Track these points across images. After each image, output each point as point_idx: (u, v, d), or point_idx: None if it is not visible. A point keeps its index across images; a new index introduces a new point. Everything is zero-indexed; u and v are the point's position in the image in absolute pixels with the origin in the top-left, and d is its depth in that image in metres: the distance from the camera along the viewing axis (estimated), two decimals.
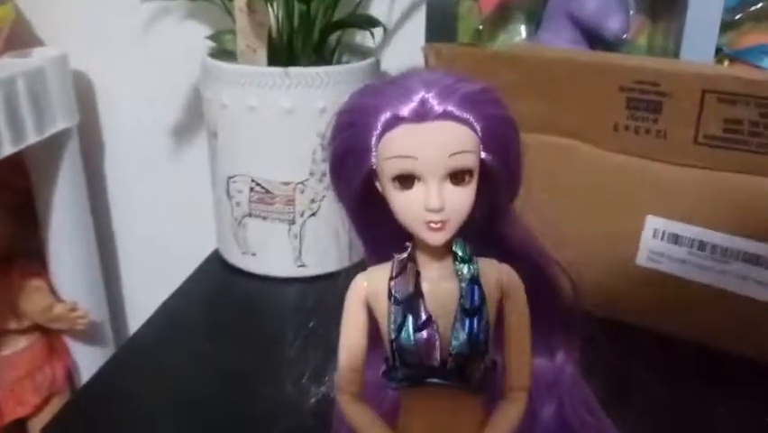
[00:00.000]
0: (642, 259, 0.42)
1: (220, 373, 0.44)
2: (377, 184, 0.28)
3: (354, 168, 0.27)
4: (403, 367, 0.27)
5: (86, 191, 0.71)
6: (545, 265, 0.34)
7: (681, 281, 0.41)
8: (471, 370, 0.27)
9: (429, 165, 0.26)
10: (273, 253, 0.53)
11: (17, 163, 0.66)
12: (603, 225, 0.42)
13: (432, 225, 0.26)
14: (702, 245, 0.40)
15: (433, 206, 0.26)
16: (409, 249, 0.28)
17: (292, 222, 0.51)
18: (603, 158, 0.41)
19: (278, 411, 0.38)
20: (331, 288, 0.34)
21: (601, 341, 0.37)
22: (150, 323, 0.49)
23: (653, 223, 0.41)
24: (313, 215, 0.51)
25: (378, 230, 0.30)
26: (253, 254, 0.53)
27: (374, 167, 0.27)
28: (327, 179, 0.51)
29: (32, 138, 0.60)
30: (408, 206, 0.26)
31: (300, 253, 0.52)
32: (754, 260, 0.39)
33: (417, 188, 0.26)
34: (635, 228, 0.41)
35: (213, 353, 0.46)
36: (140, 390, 0.43)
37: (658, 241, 0.41)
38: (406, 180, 0.26)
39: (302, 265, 0.52)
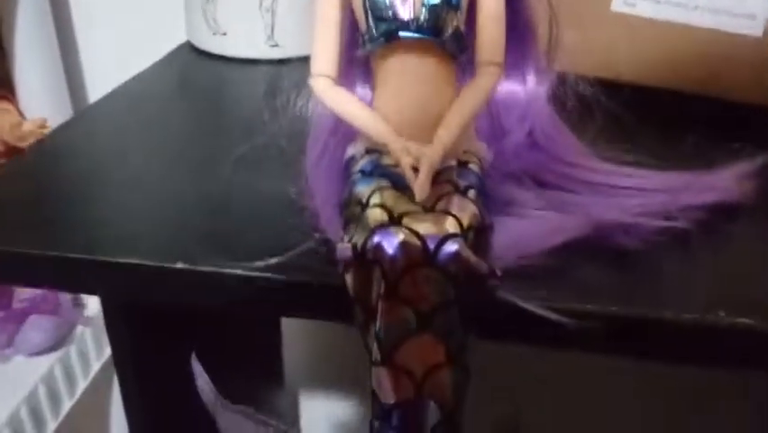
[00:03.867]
0: (617, 4, 0.42)
1: (189, 135, 0.42)
2: None
3: None
4: (376, 23, 0.27)
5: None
6: None
7: (656, 24, 0.41)
8: (444, 24, 0.27)
9: None
10: (244, 32, 0.51)
11: None
12: None
13: None
14: None
15: None
16: None
17: None
18: None
19: (248, 130, 0.37)
20: (306, 70, 0.33)
21: (572, 80, 0.37)
22: (109, 96, 0.47)
23: None
24: None
25: None
26: (224, 34, 0.52)
27: None
28: None
29: None
30: None
31: (272, 30, 0.51)
32: None
33: None
34: None
35: (176, 126, 0.44)
36: (95, 150, 0.40)
37: None
38: None
39: (275, 45, 0.51)
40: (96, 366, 0.79)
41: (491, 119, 0.36)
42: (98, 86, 0.78)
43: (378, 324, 0.24)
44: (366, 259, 0.24)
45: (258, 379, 0.74)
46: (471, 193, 0.26)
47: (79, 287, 0.29)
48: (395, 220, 0.24)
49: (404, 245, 0.23)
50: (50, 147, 0.40)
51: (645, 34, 0.41)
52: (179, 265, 0.27)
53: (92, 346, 0.79)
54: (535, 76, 0.37)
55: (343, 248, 0.24)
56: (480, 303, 0.25)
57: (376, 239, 0.23)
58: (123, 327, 0.32)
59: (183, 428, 0.43)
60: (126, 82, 0.49)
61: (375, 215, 0.24)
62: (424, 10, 0.27)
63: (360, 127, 0.29)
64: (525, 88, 0.37)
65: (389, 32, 0.27)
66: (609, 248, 0.28)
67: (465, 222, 0.24)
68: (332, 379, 0.88)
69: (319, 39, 0.29)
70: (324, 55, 0.29)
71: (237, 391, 0.38)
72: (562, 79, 0.37)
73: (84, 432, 0.84)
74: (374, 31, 0.27)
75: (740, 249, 0.30)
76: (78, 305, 0.79)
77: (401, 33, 0.27)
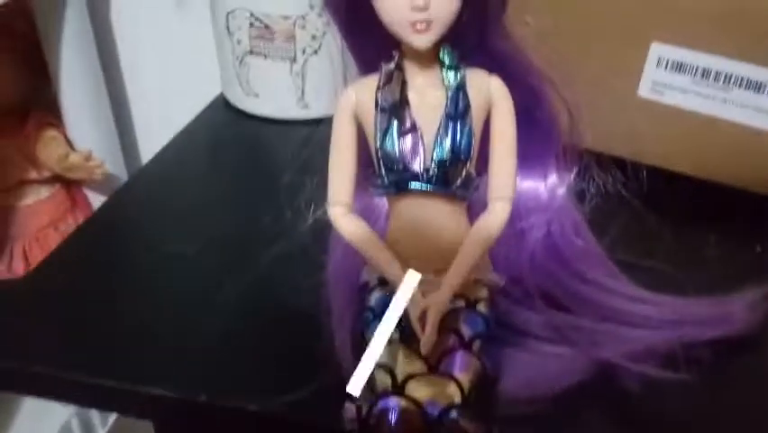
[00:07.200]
0: (644, 90, 0.41)
1: (221, 205, 0.45)
2: None
3: None
4: (388, 174, 0.28)
5: (94, 40, 0.70)
6: (540, 85, 0.33)
7: (682, 113, 0.40)
8: (453, 176, 0.28)
9: None
10: (275, 94, 0.52)
11: (20, 8, 0.65)
12: (606, 54, 0.41)
13: (417, 25, 0.26)
14: (706, 73, 0.39)
15: (417, 2, 0.25)
16: (396, 58, 0.28)
17: (293, 60, 0.50)
18: None
19: (276, 234, 0.39)
20: None
21: (595, 170, 0.37)
22: (155, 161, 0.50)
23: (657, 51, 0.40)
24: (315, 53, 0.50)
25: (367, 42, 0.30)
26: (256, 95, 0.53)
27: None
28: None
29: None
30: (393, 5, 0.26)
31: (303, 93, 0.52)
32: (755, 86, 0.38)
33: None
34: (638, 57, 0.40)
35: (216, 188, 0.47)
36: (144, 219, 0.44)
37: (662, 70, 0.40)
38: None
39: (305, 107, 0.52)
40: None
41: (511, 220, 0.36)
42: (142, 110, 0.80)
43: None
44: (369, 422, 0.25)
45: None
46: (476, 345, 0.27)
47: (115, 409, 0.31)
48: (398, 384, 0.25)
49: (404, 414, 0.25)
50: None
51: (671, 123, 0.41)
52: (203, 398, 0.29)
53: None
54: (557, 173, 0.37)
55: (350, 409, 0.26)
56: None
57: (379, 406, 0.25)
58: None
59: None
60: (166, 146, 0.51)
61: (380, 377, 0.26)
62: (433, 165, 0.27)
63: (372, 264, 0.30)
64: (546, 184, 0.37)
65: (399, 183, 0.28)
66: (612, 390, 0.29)
67: (466, 385, 0.26)
68: None
69: (334, 166, 0.30)
70: (339, 183, 0.30)
71: None
72: (583, 172, 0.37)
73: None
74: (385, 180, 0.28)
75: (738, 388, 0.30)
76: None
77: (411, 185, 0.28)
